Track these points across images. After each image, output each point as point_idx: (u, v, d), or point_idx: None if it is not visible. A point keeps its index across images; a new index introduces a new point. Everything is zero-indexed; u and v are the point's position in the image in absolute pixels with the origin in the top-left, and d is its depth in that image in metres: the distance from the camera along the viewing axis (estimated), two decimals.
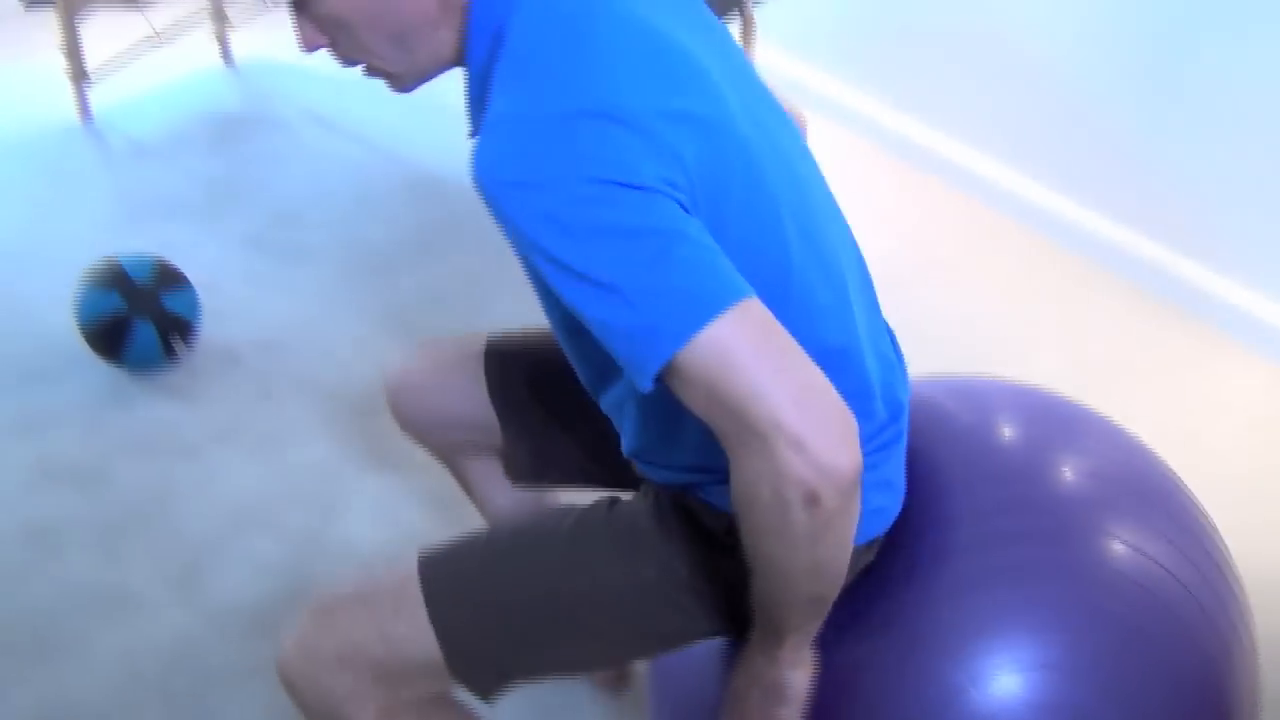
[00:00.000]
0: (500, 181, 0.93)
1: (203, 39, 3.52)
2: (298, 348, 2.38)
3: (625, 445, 1.20)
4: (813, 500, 0.88)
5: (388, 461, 2.08)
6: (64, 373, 2.27)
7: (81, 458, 2.09)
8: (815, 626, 1.06)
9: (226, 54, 3.57)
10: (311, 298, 2.54)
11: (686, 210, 0.93)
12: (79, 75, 3.17)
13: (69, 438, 2.13)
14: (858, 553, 1.11)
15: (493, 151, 0.93)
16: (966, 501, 1.18)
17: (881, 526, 1.17)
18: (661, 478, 1.18)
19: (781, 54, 3.28)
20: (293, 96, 3.37)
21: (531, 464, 1.43)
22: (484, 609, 1.17)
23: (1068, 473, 1.21)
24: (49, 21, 3.63)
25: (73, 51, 3.12)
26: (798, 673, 1.10)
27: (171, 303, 2.20)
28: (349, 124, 3.22)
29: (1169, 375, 2.35)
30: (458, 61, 1.08)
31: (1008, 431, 1.27)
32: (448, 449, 1.49)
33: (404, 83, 1.11)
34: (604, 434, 1.25)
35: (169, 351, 2.21)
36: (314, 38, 1.06)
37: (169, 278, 2.21)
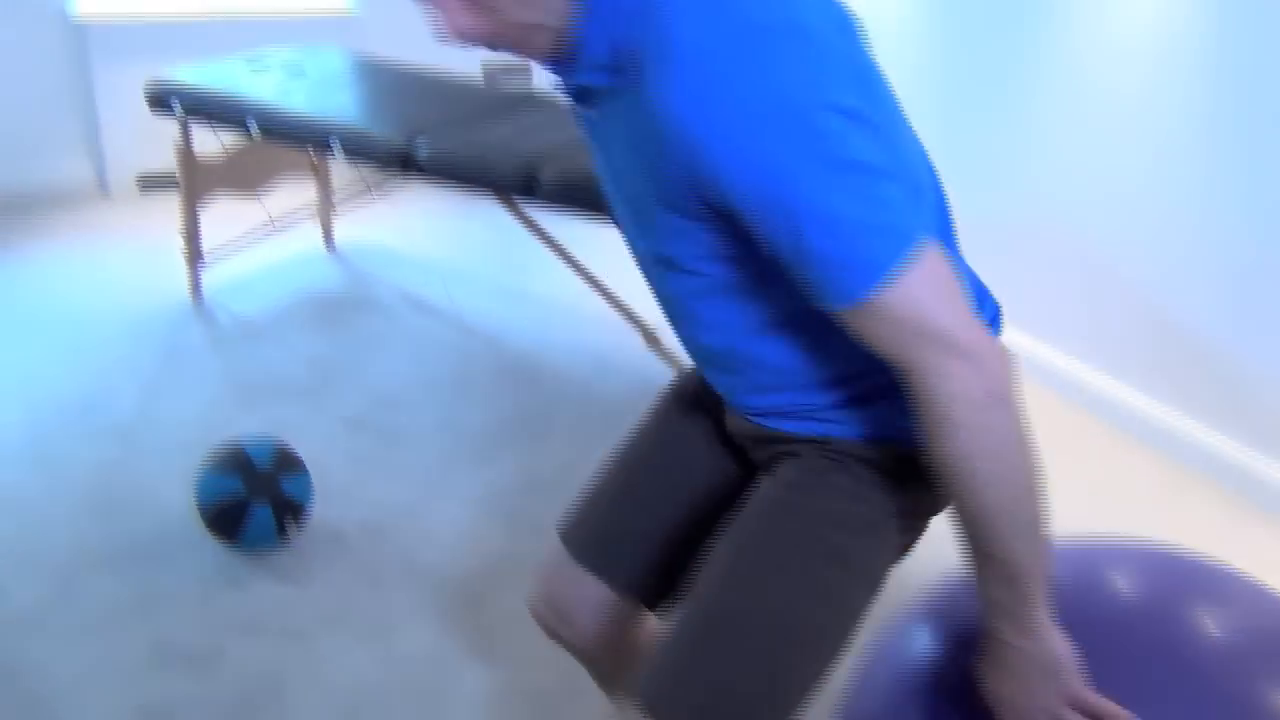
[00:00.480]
0: (714, 117, 0.94)
1: (308, 224, 3.71)
2: (401, 531, 2.43)
3: (756, 404, 1.23)
4: (1005, 399, 0.99)
5: (495, 653, 2.09)
6: (177, 551, 2.33)
7: (195, 639, 2.12)
8: (1048, 569, 1.05)
9: (329, 239, 3.75)
10: (414, 481, 2.60)
11: (877, 139, 0.98)
12: (195, 257, 3.34)
13: (182, 618, 2.16)
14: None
15: (701, 84, 0.94)
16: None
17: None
18: (804, 428, 1.22)
19: None
20: (392, 281, 3.52)
21: (670, 584, 1.39)
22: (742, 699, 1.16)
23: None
24: (165, 204, 3.86)
25: (191, 235, 3.30)
26: (1060, 642, 1.07)
27: (289, 487, 2.26)
28: (446, 308, 3.35)
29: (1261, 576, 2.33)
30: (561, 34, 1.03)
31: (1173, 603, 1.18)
32: (604, 644, 1.42)
33: (507, 47, 1.06)
34: (701, 498, 1.35)
35: (282, 533, 2.26)
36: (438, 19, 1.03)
37: (288, 462, 2.28)
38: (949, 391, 0.99)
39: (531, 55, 1.07)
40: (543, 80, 4.76)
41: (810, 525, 1.20)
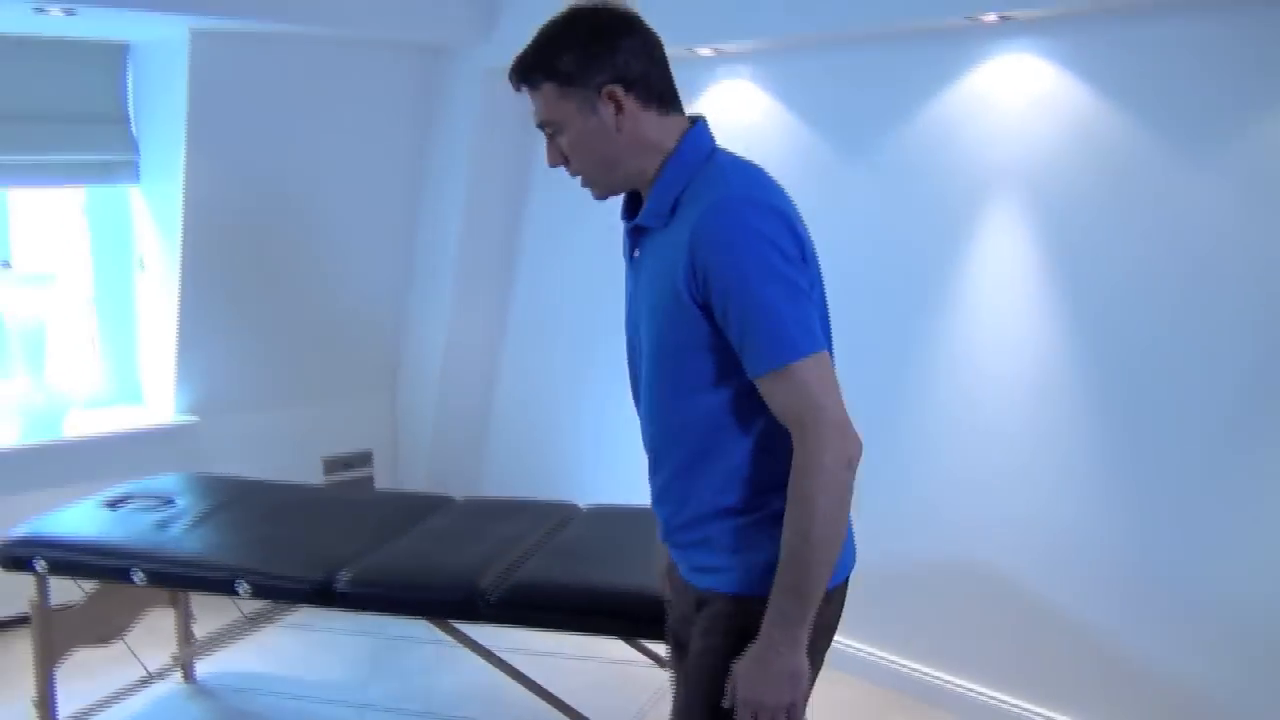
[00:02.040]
0: (755, 203, 1.54)
1: (168, 660, 3.38)
2: None
3: (698, 560, 1.67)
4: (852, 468, 1.50)
5: None
6: None
7: None
8: (817, 605, 1.51)
9: (190, 673, 3.43)
10: None
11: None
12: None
13: None
14: (828, 598, 1.58)
15: (743, 195, 1.55)
16: None
17: (848, 565, 1.68)
18: (722, 582, 1.63)
19: None
20: (255, 714, 3.23)
21: None
22: None
23: None
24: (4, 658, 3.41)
25: (46, 701, 2.93)
26: (805, 662, 1.53)
27: None
28: None
29: None
30: (642, 183, 1.64)
31: None
32: None
33: (599, 189, 1.67)
34: None
35: None
36: (554, 157, 1.65)
37: None
38: (822, 447, 1.47)
39: (605, 193, 1.67)
40: (377, 476, 4.69)
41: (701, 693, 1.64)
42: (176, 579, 2.76)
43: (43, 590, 2.92)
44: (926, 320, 3.14)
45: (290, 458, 4.39)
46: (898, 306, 3.20)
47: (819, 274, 1.61)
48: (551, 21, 1.62)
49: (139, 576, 2.74)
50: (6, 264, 4.05)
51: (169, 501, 3.14)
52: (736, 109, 3.54)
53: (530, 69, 1.60)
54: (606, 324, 3.99)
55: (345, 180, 4.23)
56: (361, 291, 4.48)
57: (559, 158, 1.64)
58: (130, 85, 4.02)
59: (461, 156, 4.21)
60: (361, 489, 4.56)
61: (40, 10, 3.24)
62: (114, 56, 3.97)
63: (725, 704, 1.55)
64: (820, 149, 3.34)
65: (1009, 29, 2.84)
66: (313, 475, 4.51)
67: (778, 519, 1.52)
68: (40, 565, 2.82)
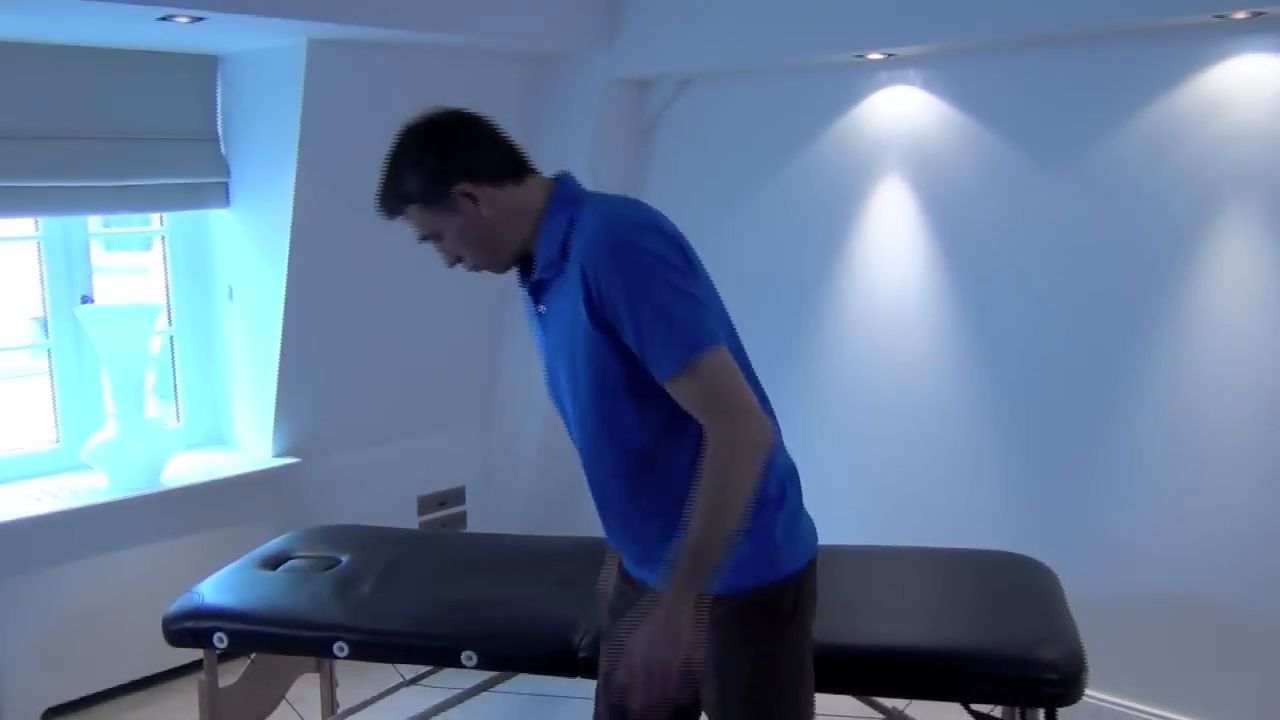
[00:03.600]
0: (634, 223, 1.68)
1: None
2: None
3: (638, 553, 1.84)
4: (760, 450, 1.61)
5: None
6: None
7: None
8: (711, 575, 1.60)
9: None
10: None
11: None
12: None
13: None
14: (800, 577, 1.80)
15: (622, 217, 1.69)
16: None
17: (812, 548, 1.84)
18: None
19: None
20: None
21: None
22: None
23: None
24: None
25: None
26: (692, 624, 1.60)
27: None
28: None
29: None
30: (529, 246, 1.77)
31: None
32: None
33: (496, 269, 1.81)
34: None
35: None
36: (449, 259, 1.82)
37: None
38: (733, 430, 1.60)
39: (502, 268, 1.81)
40: (470, 514, 4.40)
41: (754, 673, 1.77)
42: (389, 650, 2.46)
43: (212, 667, 2.61)
44: (1140, 345, 2.97)
45: (385, 497, 4.10)
46: (1106, 329, 3.03)
47: (712, 286, 1.75)
48: (390, 150, 1.77)
49: (341, 649, 2.44)
50: (231, 294, 3.76)
51: (333, 559, 2.83)
52: (907, 117, 3.34)
53: (390, 201, 1.76)
54: None
55: None
56: (461, 319, 4.20)
57: (452, 258, 1.79)
58: (219, 102, 3.69)
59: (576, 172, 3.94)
60: (484, 538, 4.27)
61: (166, 19, 2.92)
62: (205, 70, 3.64)
63: (606, 668, 1.79)
64: (1008, 158, 3.16)
65: (1249, 26, 2.69)
66: (408, 514, 4.22)
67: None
68: (220, 640, 2.51)
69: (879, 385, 3.51)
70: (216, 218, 3.82)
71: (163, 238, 3.85)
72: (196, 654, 2.66)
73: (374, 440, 4.07)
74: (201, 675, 2.61)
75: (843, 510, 3.57)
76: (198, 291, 3.89)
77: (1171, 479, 2.93)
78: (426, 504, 4.29)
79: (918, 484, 3.43)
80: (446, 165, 1.72)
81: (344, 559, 2.81)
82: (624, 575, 1.92)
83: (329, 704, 3.12)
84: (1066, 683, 2.14)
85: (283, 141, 3.50)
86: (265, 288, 3.70)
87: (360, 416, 4.01)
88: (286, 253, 3.56)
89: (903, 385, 3.45)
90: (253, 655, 2.77)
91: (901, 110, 3.36)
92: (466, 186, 1.71)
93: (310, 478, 3.87)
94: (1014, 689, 2.18)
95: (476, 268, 1.80)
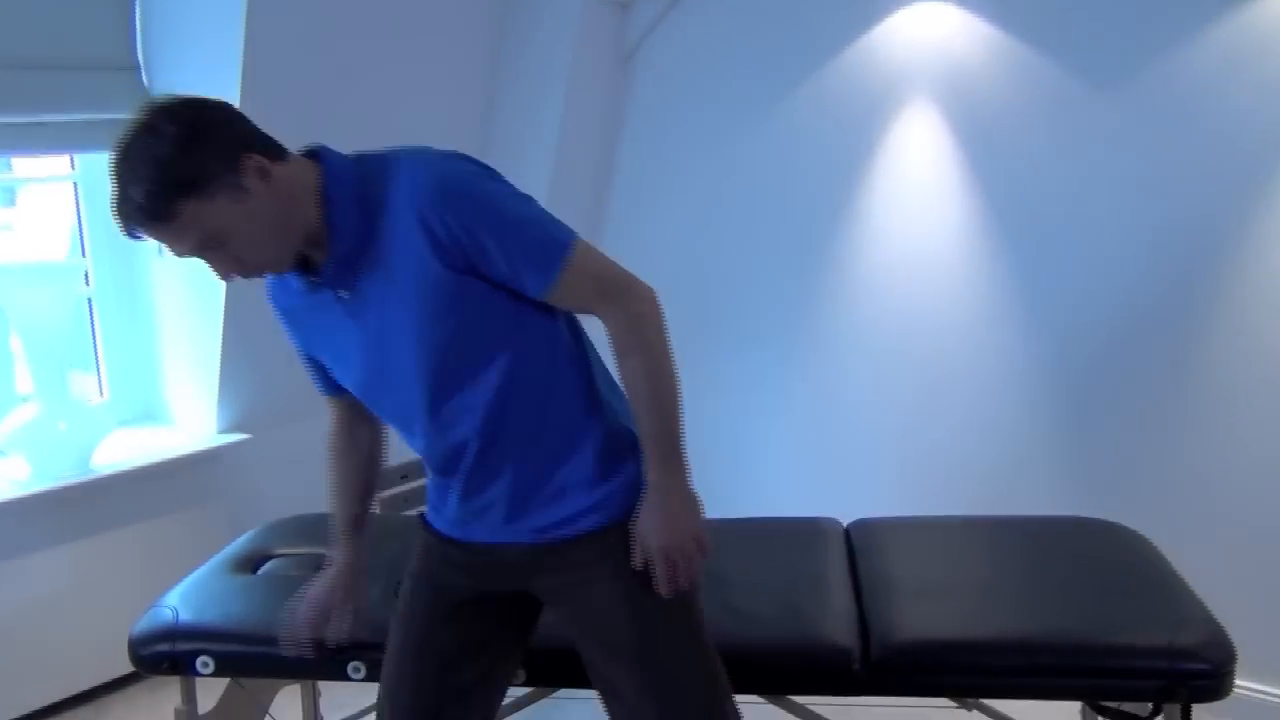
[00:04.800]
0: (441, 156, 1.56)
1: None
2: None
3: (539, 517, 1.69)
4: (659, 309, 1.61)
5: None
6: None
7: None
8: (682, 440, 1.63)
9: None
10: None
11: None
12: None
13: None
14: None
15: (425, 156, 1.56)
16: None
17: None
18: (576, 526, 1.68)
19: None
20: None
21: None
22: None
23: None
24: None
25: None
26: (692, 489, 1.65)
27: None
28: None
29: None
30: (313, 229, 1.56)
31: None
32: None
33: (282, 266, 1.56)
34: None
35: None
36: (228, 267, 1.53)
37: None
38: (639, 314, 1.59)
39: (289, 262, 1.57)
40: None
41: (651, 609, 1.67)
42: None
43: (191, 696, 2.19)
44: (1213, 280, 2.72)
45: None
46: (1172, 266, 2.77)
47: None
48: (133, 152, 1.43)
49: (357, 670, 2.05)
50: (160, 249, 3.19)
51: (322, 556, 2.42)
52: (937, 36, 3.02)
53: (159, 203, 1.42)
54: (709, 289, 3.45)
55: (412, 131, 3.51)
56: None
57: (233, 265, 1.52)
58: (139, 26, 3.17)
59: (551, 104, 3.54)
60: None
61: None
62: None
63: (638, 565, 1.63)
64: (1054, 80, 2.86)
65: None
66: None
67: (620, 433, 1.67)
68: (205, 666, 2.09)
69: (907, 335, 3.21)
70: None
71: (75, 184, 3.32)
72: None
73: (324, 410, 3.63)
74: (178, 705, 2.19)
75: (873, 477, 3.29)
76: (119, 247, 3.38)
77: (1266, 421, 2.70)
78: (386, 479, 3.86)
79: (956, 445, 3.16)
80: (231, 137, 1.47)
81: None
82: (453, 549, 1.78)
83: (311, 717, 2.73)
84: (1216, 675, 1.87)
85: (220, 71, 3.01)
86: None
87: (311, 386, 3.56)
88: None
89: (934, 334, 3.16)
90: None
91: (931, 30, 3.03)
92: (257, 159, 1.48)
93: (260, 456, 3.43)
94: (1154, 685, 1.90)
95: (260, 269, 1.55)
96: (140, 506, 3.16)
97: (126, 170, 1.44)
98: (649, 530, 1.62)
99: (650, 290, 1.61)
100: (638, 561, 1.63)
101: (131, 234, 1.48)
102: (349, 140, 3.36)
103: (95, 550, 3.06)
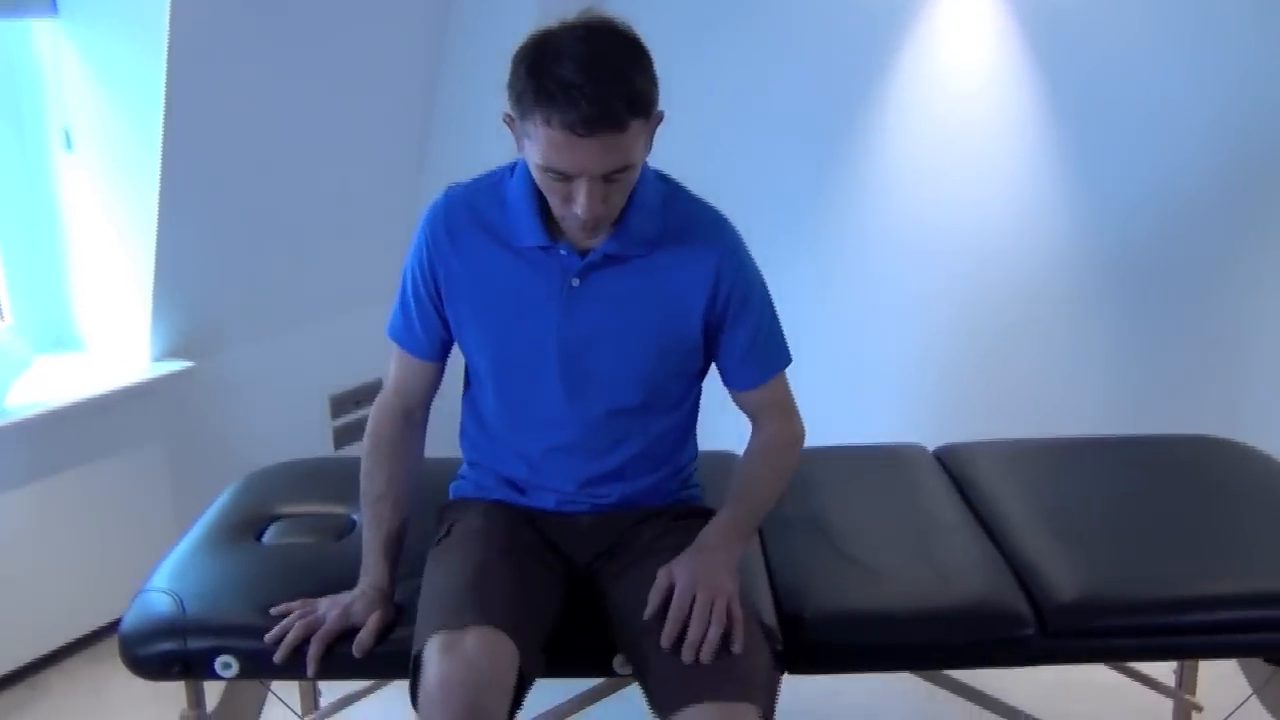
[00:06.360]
0: (752, 261, 1.64)
1: None
2: None
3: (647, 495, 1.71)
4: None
5: None
6: None
7: None
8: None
9: None
10: None
11: None
12: None
13: None
14: None
15: (742, 246, 1.63)
16: None
17: None
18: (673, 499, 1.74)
19: None
20: None
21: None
22: None
23: None
24: None
25: None
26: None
27: None
28: None
29: None
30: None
31: None
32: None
33: (607, 226, 1.53)
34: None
35: None
36: (599, 204, 1.45)
37: None
38: (799, 435, 1.72)
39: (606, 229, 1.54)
40: None
41: None
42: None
43: (199, 698, 1.78)
44: None
45: (290, 402, 3.23)
46: (1263, 157, 2.53)
47: None
48: (630, 49, 1.42)
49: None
50: (68, 141, 2.70)
51: (342, 515, 2.02)
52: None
53: (629, 106, 1.38)
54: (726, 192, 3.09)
55: (355, 51, 3.02)
56: (376, 175, 3.30)
57: (602, 203, 1.46)
58: None
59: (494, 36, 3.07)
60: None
61: None
62: None
63: (656, 602, 1.49)
64: None
65: None
66: (318, 422, 3.35)
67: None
68: (226, 667, 1.67)
69: (951, 238, 2.91)
70: (42, 33, 2.70)
71: None
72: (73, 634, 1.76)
73: (273, 330, 3.16)
74: (184, 710, 1.77)
75: (915, 396, 3.01)
76: (15, 138, 2.79)
77: None
78: (341, 405, 3.42)
79: (1009, 355, 2.90)
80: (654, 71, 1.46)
81: (358, 515, 1.99)
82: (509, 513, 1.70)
83: (311, 699, 2.34)
84: None
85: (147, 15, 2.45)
86: (123, 132, 2.66)
87: (259, 300, 3.09)
88: (162, 84, 2.53)
89: (978, 233, 2.87)
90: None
91: None
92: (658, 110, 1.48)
93: (204, 387, 2.94)
94: None
95: (610, 216, 1.51)
96: (66, 453, 2.65)
97: (629, 60, 1.41)
98: (690, 568, 1.50)
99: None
100: (657, 596, 1.49)
101: (605, 118, 1.36)
102: (291, 106, 2.84)
103: (16, 507, 2.56)
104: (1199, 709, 2.26)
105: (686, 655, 1.41)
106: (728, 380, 1.68)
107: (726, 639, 1.42)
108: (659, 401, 1.66)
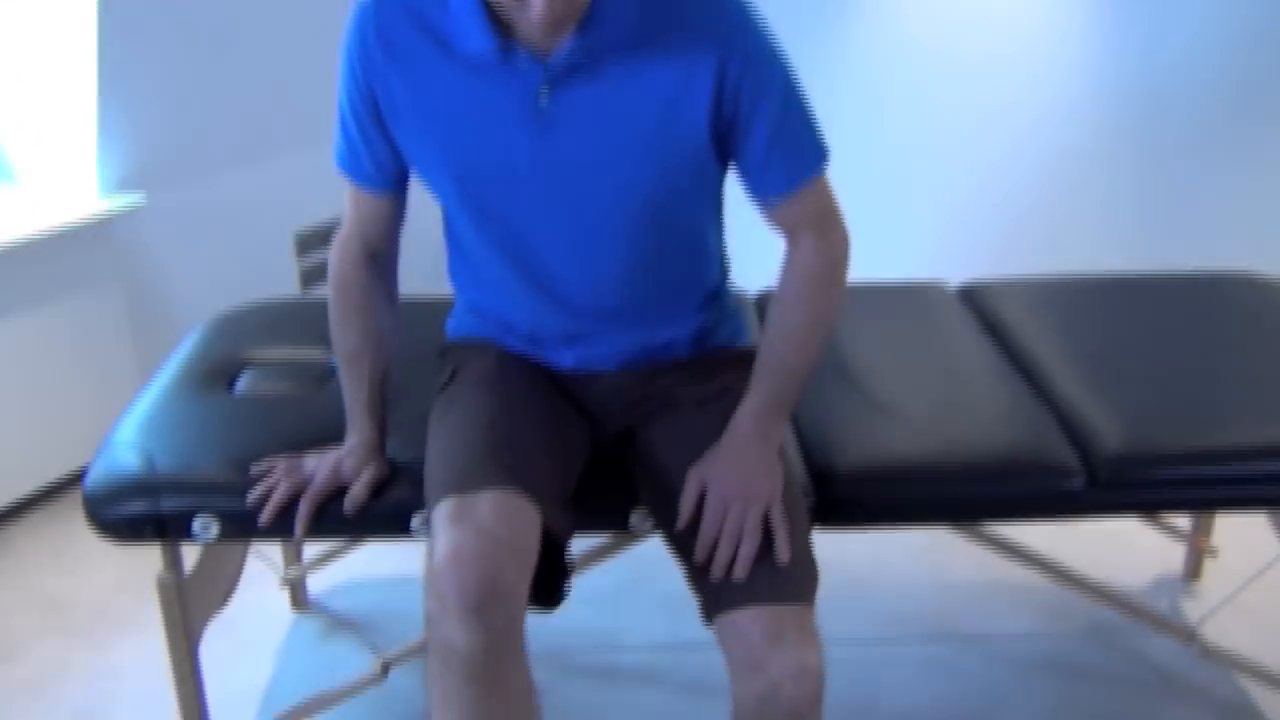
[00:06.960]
0: (769, 37, 1.31)
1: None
2: None
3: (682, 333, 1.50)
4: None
5: None
6: None
7: None
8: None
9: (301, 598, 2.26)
10: None
11: None
12: None
13: None
14: None
15: (755, 21, 1.30)
16: None
17: None
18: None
19: None
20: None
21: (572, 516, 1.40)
22: None
23: None
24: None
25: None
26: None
27: None
28: None
29: None
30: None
31: None
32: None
33: (576, 12, 1.23)
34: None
35: None
36: None
37: None
38: (842, 256, 1.41)
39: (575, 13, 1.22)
40: None
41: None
42: None
43: (176, 559, 1.64)
44: None
45: (253, 237, 3.02)
46: None
47: None
48: None
49: (423, 526, 1.53)
50: None
51: (319, 362, 1.85)
52: None
53: None
54: None
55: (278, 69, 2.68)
56: None
57: None
58: None
59: None
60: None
61: None
62: None
63: (688, 509, 1.35)
64: None
65: None
66: (283, 260, 3.15)
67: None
68: (205, 528, 1.53)
69: (953, 57, 2.70)
70: None
71: None
72: (34, 485, 1.61)
73: (233, 161, 2.92)
74: (160, 572, 1.63)
75: (930, 227, 2.84)
76: None
77: None
78: (307, 243, 3.21)
79: (1019, 185, 2.73)
80: None
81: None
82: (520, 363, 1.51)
83: (294, 552, 2.22)
84: None
85: None
86: None
87: (215, 126, 2.84)
88: None
89: (986, 51, 2.66)
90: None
91: None
92: None
93: (157, 222, 2.72)
94: None
95: (561, 15, 1.19)
96: (12, 295, 2.45)
97: None
98: (721, 471, 1.34)
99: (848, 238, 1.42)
100: (689, 504, 1.34)
101: None
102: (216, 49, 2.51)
103: None
104: (1214, 554, 2.22)
105: (716, 573, 1.27)
106: (753, 192, 1.38)
107: (770, 543, 1.28)
108: (671, 231, 1.41)
